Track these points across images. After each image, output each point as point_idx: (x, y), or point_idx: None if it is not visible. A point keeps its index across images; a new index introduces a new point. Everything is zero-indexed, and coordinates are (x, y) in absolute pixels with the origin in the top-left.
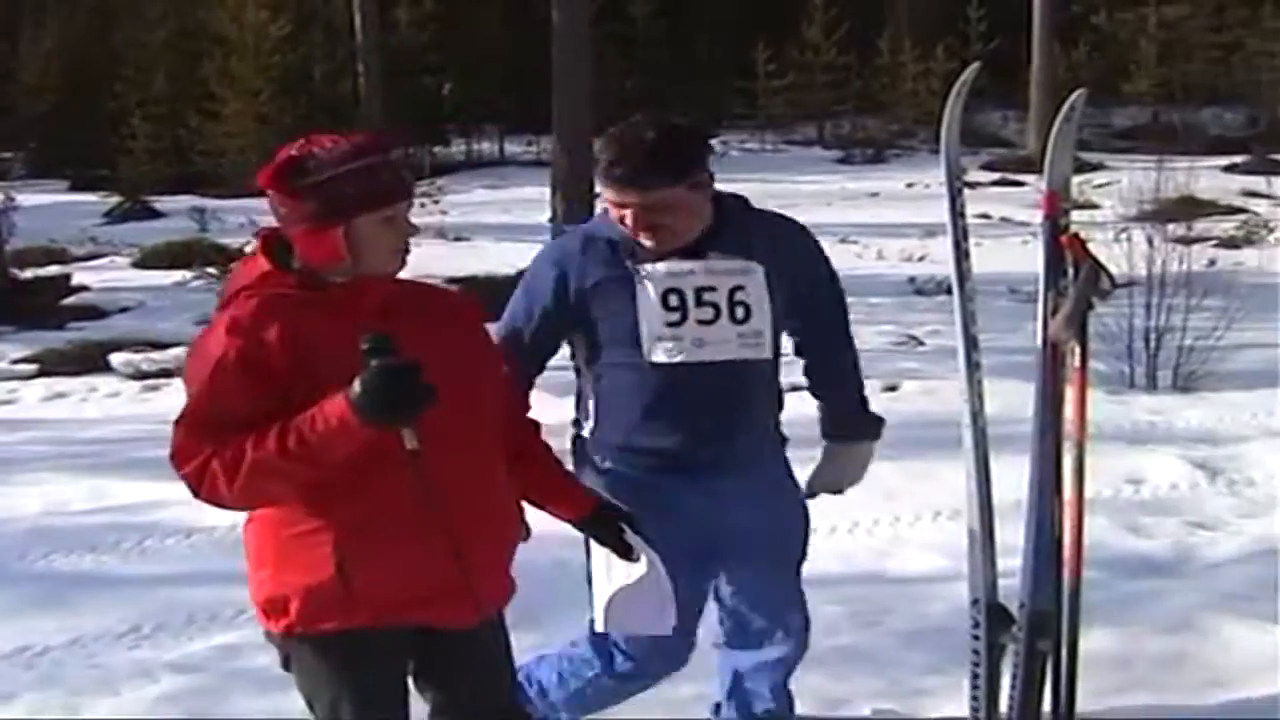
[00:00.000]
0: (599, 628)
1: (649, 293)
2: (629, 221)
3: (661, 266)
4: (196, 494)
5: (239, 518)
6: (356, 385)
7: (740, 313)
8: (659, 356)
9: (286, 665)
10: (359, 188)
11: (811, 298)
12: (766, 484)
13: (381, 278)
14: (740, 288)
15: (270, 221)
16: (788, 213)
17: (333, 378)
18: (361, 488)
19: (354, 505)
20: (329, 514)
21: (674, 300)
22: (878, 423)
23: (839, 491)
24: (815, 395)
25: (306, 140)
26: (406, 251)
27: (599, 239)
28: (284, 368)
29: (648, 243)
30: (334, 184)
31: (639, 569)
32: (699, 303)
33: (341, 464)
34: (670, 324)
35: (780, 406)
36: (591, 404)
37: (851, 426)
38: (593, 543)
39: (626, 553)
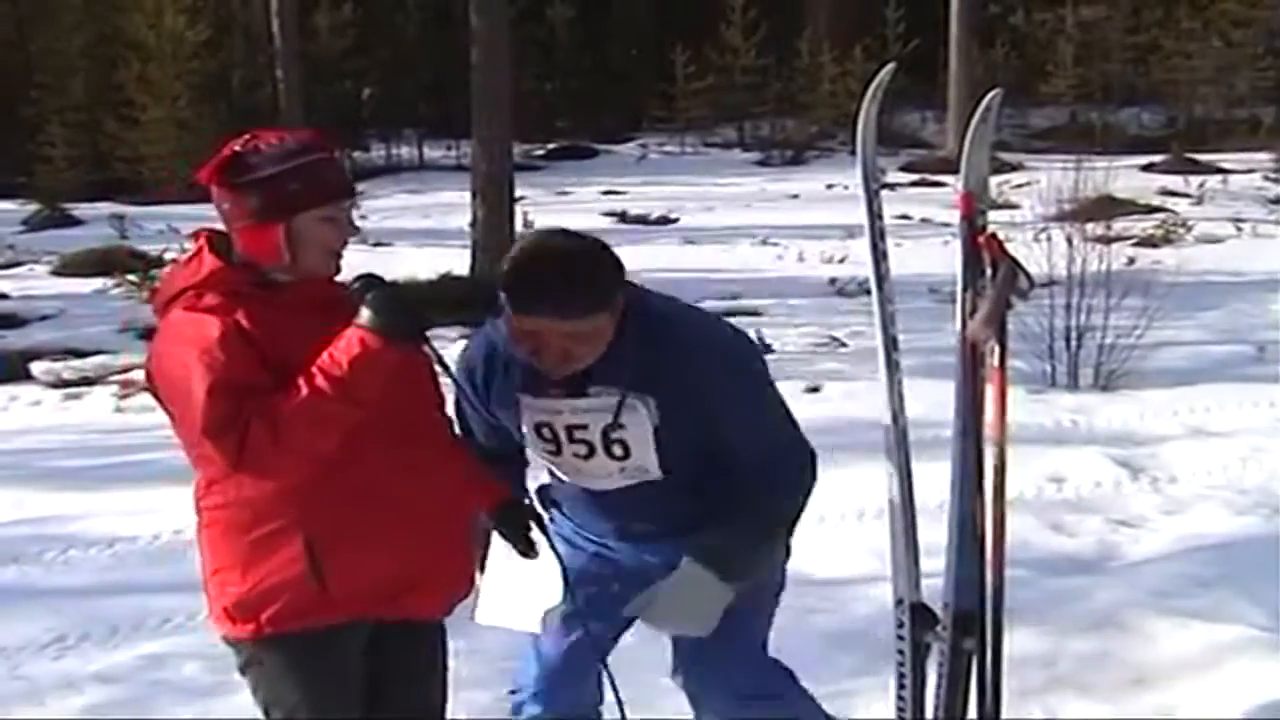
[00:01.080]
0: (475, 618)
1: (527, 420)
2: (536, 349)
3: (531, 400)
4: (237, 462)
5: (163, 526)
6: (366, 311)
7: (618, 450)
8: (550, 470)
9: (244, 669)
10: (303, 184)
11: (730, 427)
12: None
13: (319, 281)
14: (616, 425)
15: (191, 228)
16: (709, 216)
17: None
18: (330, 484)
19: (324, 502)
20: (298, 513)
21: (547, 434)
22: (745, 573)
23: (665, 628)
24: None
25: (252, 135)
26: (341, 256)
27: (495, 355)
28: (262, 350)
29: (549, 370)
30: (278, 180)
31: (533, 568)
32: (571, 439)
33: (376, 400)
34: (548, 453)
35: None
36: None
37: (713, 554)
38: (495, 535)
39: (527, 550)
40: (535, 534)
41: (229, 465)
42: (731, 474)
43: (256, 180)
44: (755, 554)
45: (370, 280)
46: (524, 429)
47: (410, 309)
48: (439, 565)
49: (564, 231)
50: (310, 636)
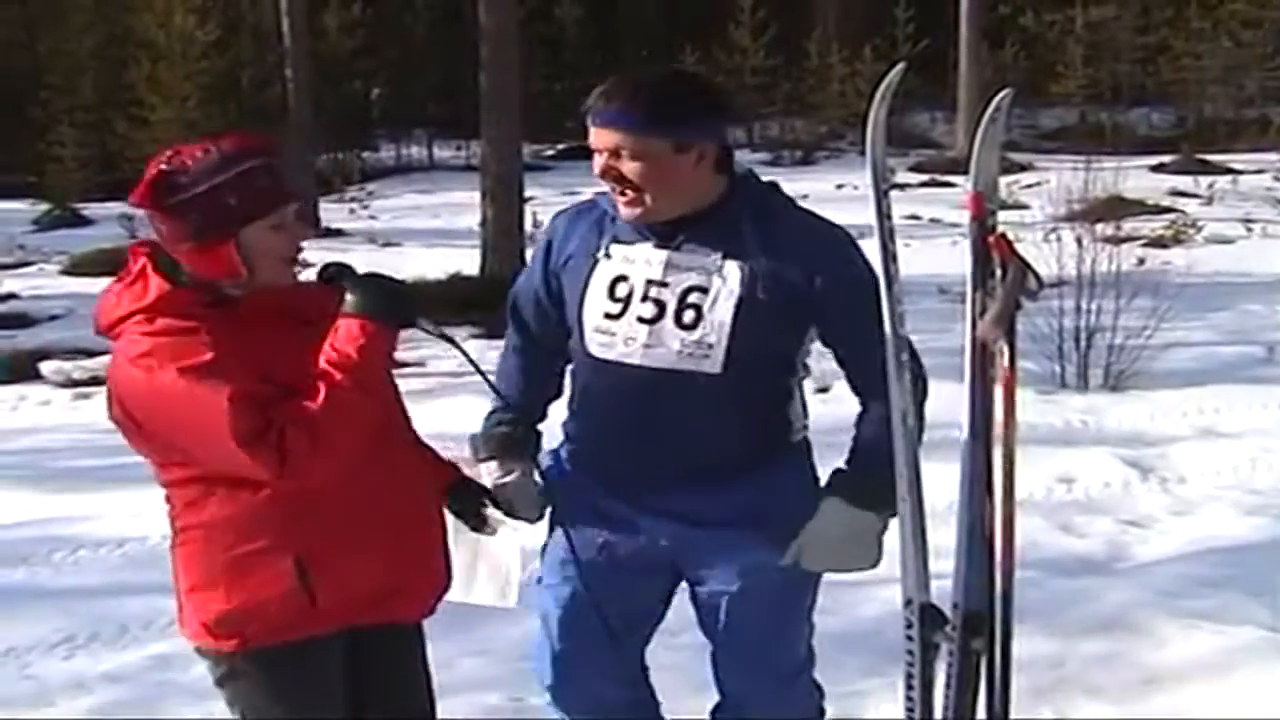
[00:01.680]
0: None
1: (602, 277)
2: (604, 171)
3: (620, 249)
4: (279, 472)
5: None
6: (355, 298)
7: (689, 316)
8: (594, 349)
9: (222, 682)
10: (240, 197)
11: (833, 322)
12: (734, 510)
13: (277, 289)
14: (698, 289)
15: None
16: None
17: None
18: (307, 496)
19: (308, 514)
20: (283, 527)
21: (621, 290)
22: (889, 496)
23: (830, 569)
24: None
25: (175, 152)
26: (296, 260)
27: (595, 209)
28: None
29: (620, 204)
30: (212, 195)
31: (489, 542)
32: (644, 297)
33: (382, 388)
34: (609, 315)
35: (769, 427)
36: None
37: (854, 485)
38: (448, 512)
39: (479, 526)
40: (491, 510)
41: (270, 476)
42: (784, 410)
43: (190, 199)
44: (889, 476)
45: (341, 268)
46: (589, 295)
47: (396, 289)
48: (422, 566)
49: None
50: (293, 648)
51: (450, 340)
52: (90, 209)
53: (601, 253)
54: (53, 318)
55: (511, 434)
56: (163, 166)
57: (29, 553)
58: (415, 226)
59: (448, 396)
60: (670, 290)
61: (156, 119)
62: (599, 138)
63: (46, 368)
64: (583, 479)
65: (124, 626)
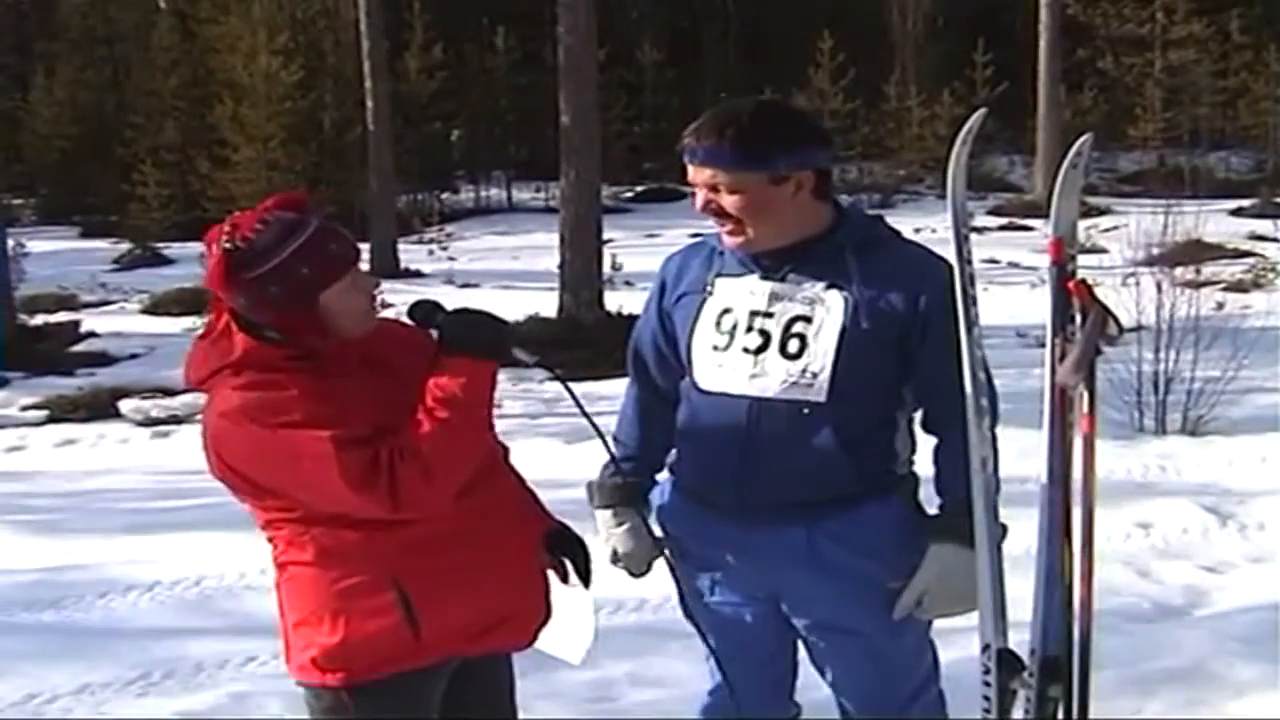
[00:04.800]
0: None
1: (710, 311)
2: (700, 206)
3: (725, 282)
4: (393, 507)
5: (247, 566)
6: (453, 335)
7: (793, 346)
8: (701, 382)
9: (324, 715)
10: (312, 265)
11: (927, 342)
12: (834, 544)
13: (357, 339)
14: (803, 318)
15: None
16: None
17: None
18: (410, 529)
19: (407, 547)
20: (382, 561)
21: (726, 322)
22: (965, 522)
23: (951, 614)
24: None
25: (233, 226)
26: (375, 308)
27: (704, 247)
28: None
29: (724, 236)
30: (286, 268)
31: (571, 596)
32: (749, 328)
33: (489, 417)
34: (716, 347)
35: (874, 459)
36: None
37: (961, 526)
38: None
39: (564, 578)
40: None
41: (384, 513)
42: (890, 442)
43: (266, 273)
44: (960, 504)
45: (432, 307)
46: (698, 329)
47: (492, 323)
48: (524, 596)
49: (775, 98)
50: (398, 681)
51: (544, 366)
52: (171, 249)
53: (709, 287)
54: (132, 356)
55: (626, 484)
56: (225, 245)
57: (105, 590)
58: (493, 268)
59: (524, 438)
60: (775, 320)
61: (238, 159)
62: (696, 174)
63: (126, 406)
64: (688, 511)
65: (199, 665)
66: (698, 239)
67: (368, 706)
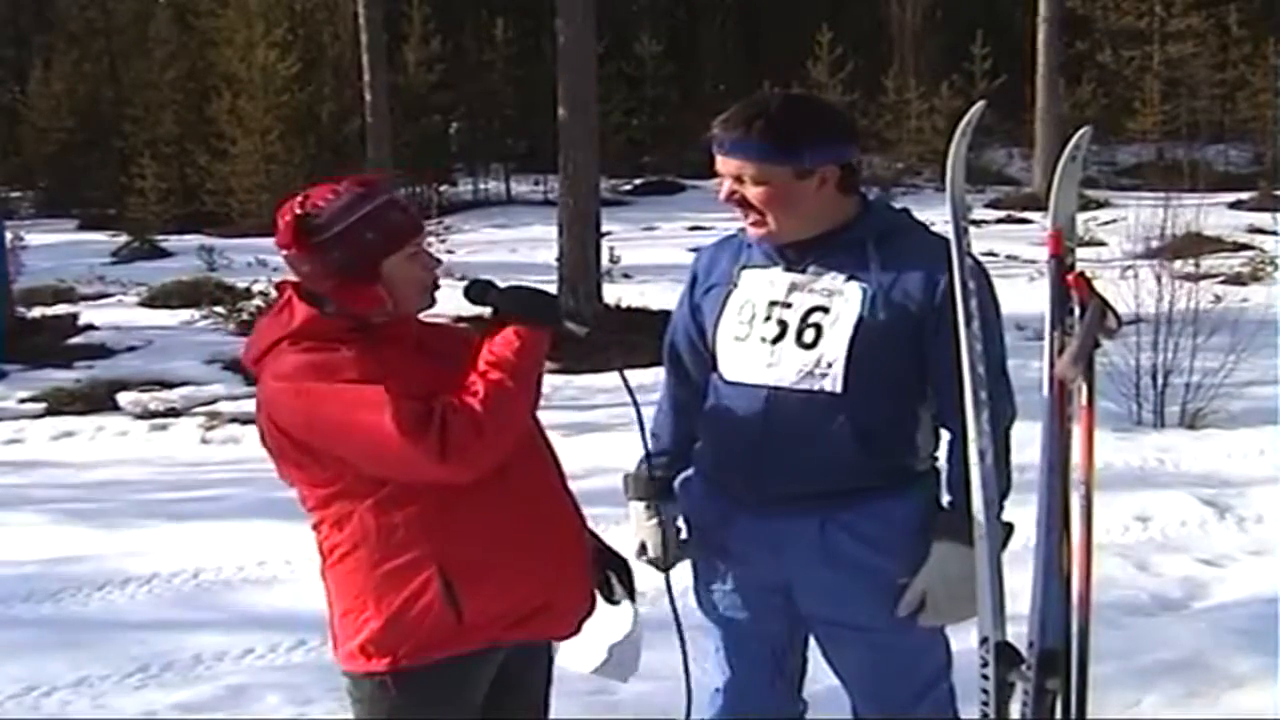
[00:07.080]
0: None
1: (735, 302)
2: (724, 196)
3: (750, 274)
4: (443, 456)
5: (245, 559)
6: (507, 305)
7: (809, 335)
8: (724, 372)
9: (367, 703)
10: (377, 230)
11: (944, 332)
12: (849, 538)
13: (409, 318)
14: (820, 309)
15: (278, 263)
16: None
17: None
18: (459, 511)
19: (450, 530)
20: (425, 543)
21: (745, 312)
22: (971, 521)
23: (954, 620)
24: None
25: (305, 196)
26: (434, 286)
27: (734, 240)
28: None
29: (748, 227)
30: (352, 232)
31: (609, 614)
32: (767, 317)
33: (538, 385)
34: (737, 337)
35: (892, 453)
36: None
37: (944, 520)
38: None
39: (606, 597)
40: (614, 581)
41: (433, 464)
42: (910, 436)
43: (331, 238)
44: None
45: (485, 284)
46: (723, 319)
47: (543, 295)
48: (568, 585)
49: (804, 91)
50: (445, 668)
51: (585, 337)
52: (169, 241)
53: (735, 279)
54: (131, 349)
55: (659, 478)
56: (297, 211)
57: (104, 582)
58: (492, 261)
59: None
60: (793, 310)
61: (236, 151)
62: (723, 165)
63: (124, 399)
64: (707, 497)
65: (197, 657)
66: (729, 235)
67: (411, 693)
